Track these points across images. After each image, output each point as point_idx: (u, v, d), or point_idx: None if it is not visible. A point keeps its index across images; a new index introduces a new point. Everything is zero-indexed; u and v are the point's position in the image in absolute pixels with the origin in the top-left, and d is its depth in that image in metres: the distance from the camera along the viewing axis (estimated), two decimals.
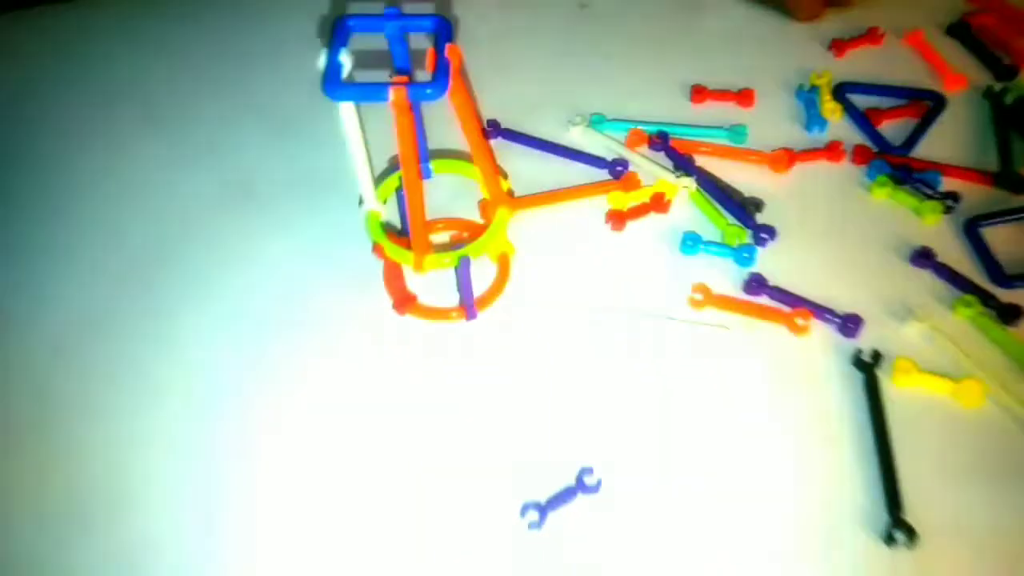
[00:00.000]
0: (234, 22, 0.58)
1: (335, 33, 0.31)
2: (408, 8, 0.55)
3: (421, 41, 0.47)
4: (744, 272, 0.42)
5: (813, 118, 0.49)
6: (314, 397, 0.38)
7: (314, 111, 0.47)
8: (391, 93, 0.29)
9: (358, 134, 0.34)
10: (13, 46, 0.58)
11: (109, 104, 0.53)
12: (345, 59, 0.30)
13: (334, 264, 0.43)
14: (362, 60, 0.34)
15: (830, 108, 0.49)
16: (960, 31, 0.54)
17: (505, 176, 0.44)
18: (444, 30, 0.31)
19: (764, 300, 0.41)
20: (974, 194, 0.45)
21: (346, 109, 0.32)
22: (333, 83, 0.30)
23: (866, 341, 0.39)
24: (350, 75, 0.31)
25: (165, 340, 0.41)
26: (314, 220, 0.45)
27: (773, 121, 0.50)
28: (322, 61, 0.30)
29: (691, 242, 0.43)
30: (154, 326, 0.42)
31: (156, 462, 0.37)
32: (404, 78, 0.30)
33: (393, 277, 0.41)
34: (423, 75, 0.31)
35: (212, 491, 0.36)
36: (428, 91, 0.29)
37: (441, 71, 0.29)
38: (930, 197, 0.44)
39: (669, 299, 0.41)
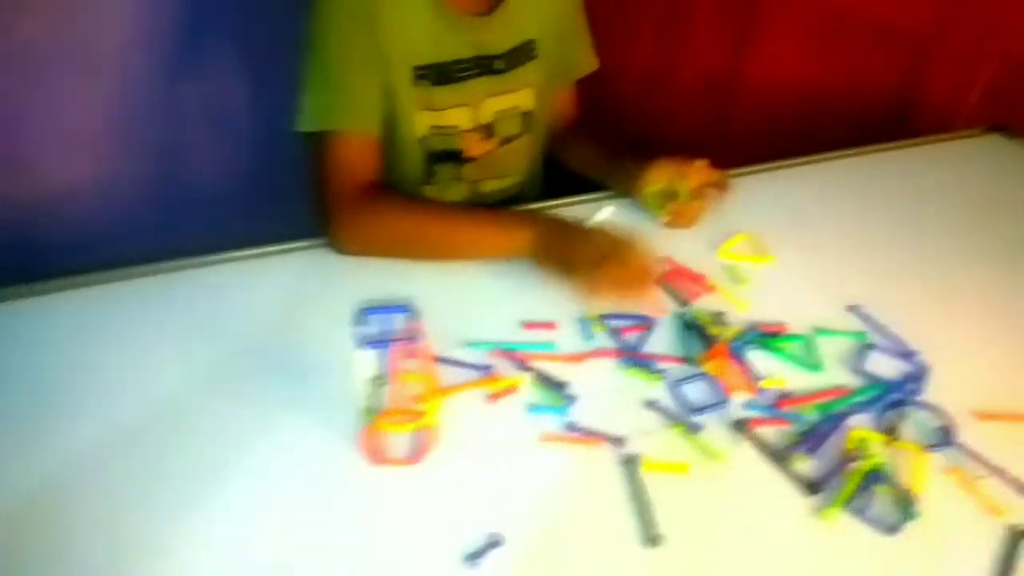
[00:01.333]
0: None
1: (359, 316, 0.65)
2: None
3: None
4: (564, 420, 0.77)
5: (587, 334, 0.88)
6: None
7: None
8: (397, 348, 0.63)
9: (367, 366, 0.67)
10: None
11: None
12: (368, 329, 0.64)
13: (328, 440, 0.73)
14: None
15: (597, 328, 0.89)
16: (661, 282, 0.97)
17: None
18: (413, 312, 0.66)
19: (575, 434, 0.76)
20: (675, 368, 0.85)
21: (362, 354, 0.65)
22: (362, 339, 0.63)
23: (627, 449, 0.75)
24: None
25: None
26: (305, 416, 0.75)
27: (568, 339, 0.88)
28: (356, 331, 0.63)
29: (533, 407, 0.78)
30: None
31: None
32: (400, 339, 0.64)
33: (368, 446, 0.71)
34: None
35: None
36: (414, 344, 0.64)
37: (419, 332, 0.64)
38: (653, 372, 0.83)
39: (526, 439, 0.75)
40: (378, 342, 0.64)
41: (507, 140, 1.11)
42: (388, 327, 0.66)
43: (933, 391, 0.83)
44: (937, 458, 0.76)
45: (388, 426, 0.69)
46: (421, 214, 0.98)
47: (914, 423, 0.80)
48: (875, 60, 1.58)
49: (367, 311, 0.66)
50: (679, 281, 0.97)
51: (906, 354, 0.88)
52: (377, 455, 0.71)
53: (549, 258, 0.93)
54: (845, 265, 1.02)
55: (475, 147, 1.09)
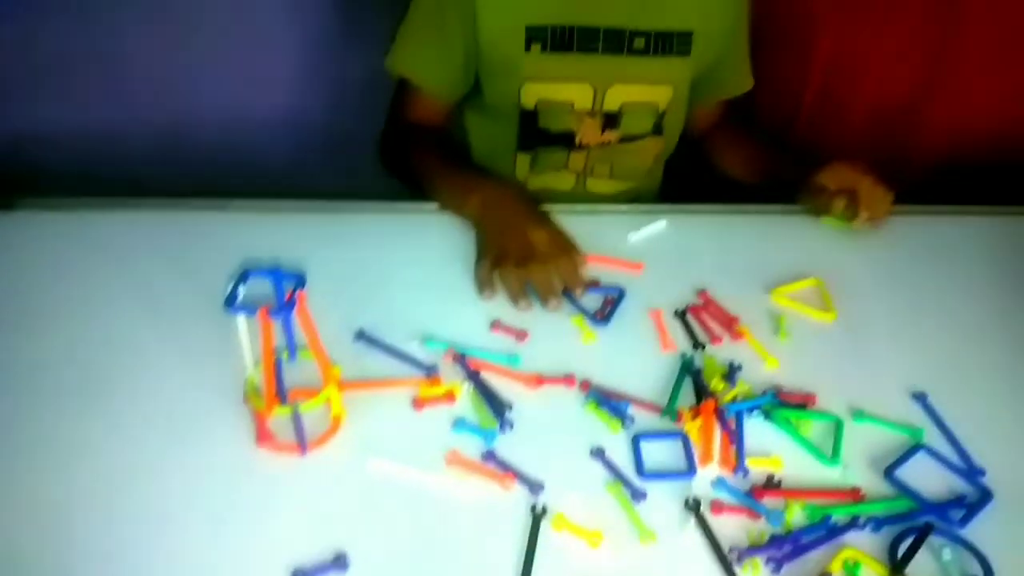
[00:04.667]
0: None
1: (239, 278, 0.58)
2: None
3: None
4: (486, 447, 0.66)
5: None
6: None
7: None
8: (258, 313, 0.56)
9: (246, 334, 0.60)
10: None
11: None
12: (240, 291, 0.57)
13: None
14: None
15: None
16: (682, 315, 0.82)
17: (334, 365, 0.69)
18: (300, 280, 0.58)
19: (492, 465, 0.65)
20: (648, 419, 0.70)
21: (240, 320, 0.59)
22: (232, 303, 0.56)
23: (544, 499, 0.62)
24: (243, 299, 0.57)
25: None
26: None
27: (538, 355, 0.76)
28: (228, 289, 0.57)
29: (459, 424, 0.68)
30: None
31: None
32: (266, 306, 0.56)
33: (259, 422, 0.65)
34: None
35: None
36: (280, 315, 0.56)
37: (288, 305, 0.56)
38: (616, 416, 0.69)
39: (434, 457, 0.65)
40: (247, 307, 0.56)
41: (631, 138, 0.99)
42: (266, 291, 0.58)
43: (986, 528, 0.62)
44: None
45: (265, 405, 0.62)
46: (430, 159, 0.94)
47: (939, 564, 0.60)
48: None
49: (250, 272, 0.59)
50: (705, 318, 0.81)
51: (969, 471, 0.67)
52: (261, 435, 0.64)
53: (482, 230, 0.86)
54: (933, 342, 0.81)
55: (590, 134, 0.97)
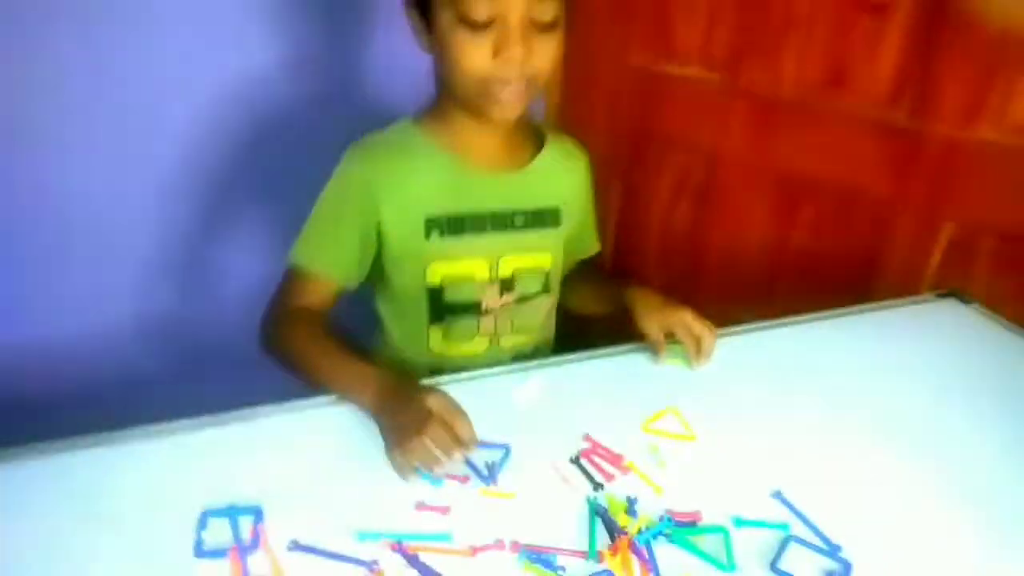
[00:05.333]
0: None
1: (199, 523, 0.62)
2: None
3: None
4: None
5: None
6: None
7: None
8: (230, 556, 0.60)
9: None
10: None
11: None
12: (207, 536, 0.61)
13: None
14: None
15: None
16: (576, 461, 0.93)
17: None
18: (258, 513, 0.63)
19: None
20: (577, 564, 0.79)
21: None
22: (200, 550, 0.60)
23: None
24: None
25: None
26: None
27: (466, 525, 0.83)
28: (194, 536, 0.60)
29: None
30: None
31: None
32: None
33: None
34: None
35: None
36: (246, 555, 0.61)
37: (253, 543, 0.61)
38: (551, 569, 0.78)
39: None
40: (215, 552, 0.60)
41: (526, 297, 1.16)
42: (230, 532, 0.63)
43: None
44: None
45: None
46: (309, 347, 1.02)
47: None
48: (836, 224, 1.60)
49: (208, 513, 0.63)
50: (596, 460, 0.93)
51: (829, 549, 0.82)
52: None
53: (383, 419, 0.92)
54: (778, 443, 0.98)
55: (492, 299, 1.13)
